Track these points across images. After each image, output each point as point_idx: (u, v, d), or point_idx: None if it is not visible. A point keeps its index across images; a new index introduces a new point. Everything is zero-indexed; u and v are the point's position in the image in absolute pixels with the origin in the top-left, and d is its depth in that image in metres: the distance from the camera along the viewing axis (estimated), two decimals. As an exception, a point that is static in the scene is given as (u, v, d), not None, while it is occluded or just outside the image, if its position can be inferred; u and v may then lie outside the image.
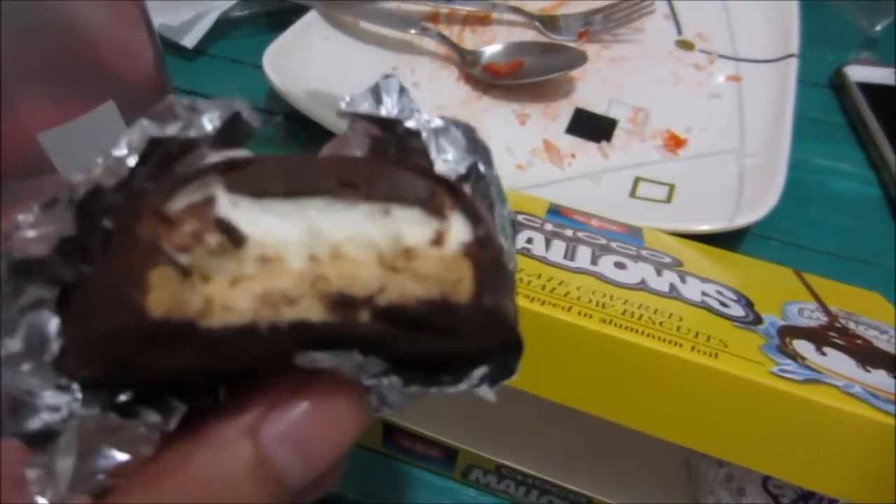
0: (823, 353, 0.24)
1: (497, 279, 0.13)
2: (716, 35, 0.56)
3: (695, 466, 0.29)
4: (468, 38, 0.54)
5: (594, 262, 0.27)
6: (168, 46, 0.49)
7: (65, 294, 0.12)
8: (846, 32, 0.59)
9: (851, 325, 0.27)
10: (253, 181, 0.11)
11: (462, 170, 0.15)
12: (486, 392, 0.14)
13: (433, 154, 0.15)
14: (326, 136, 0.40)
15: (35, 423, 0.12)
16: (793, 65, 0.50)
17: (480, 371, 0.14)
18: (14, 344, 0.12)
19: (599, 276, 0.25)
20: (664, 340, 0.22)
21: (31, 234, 0.12)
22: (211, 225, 0.11)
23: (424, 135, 0.15)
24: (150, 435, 0.13)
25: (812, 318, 0.27)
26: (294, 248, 0.11)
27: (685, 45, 0.55)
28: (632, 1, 0.55)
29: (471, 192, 0.15)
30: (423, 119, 0.15)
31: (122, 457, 0.13)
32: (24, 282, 0.12)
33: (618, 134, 0.47)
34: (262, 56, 0.45)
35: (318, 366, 0.12)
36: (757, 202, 0.39)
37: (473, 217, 0.12)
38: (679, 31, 0.56)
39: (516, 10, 0.55)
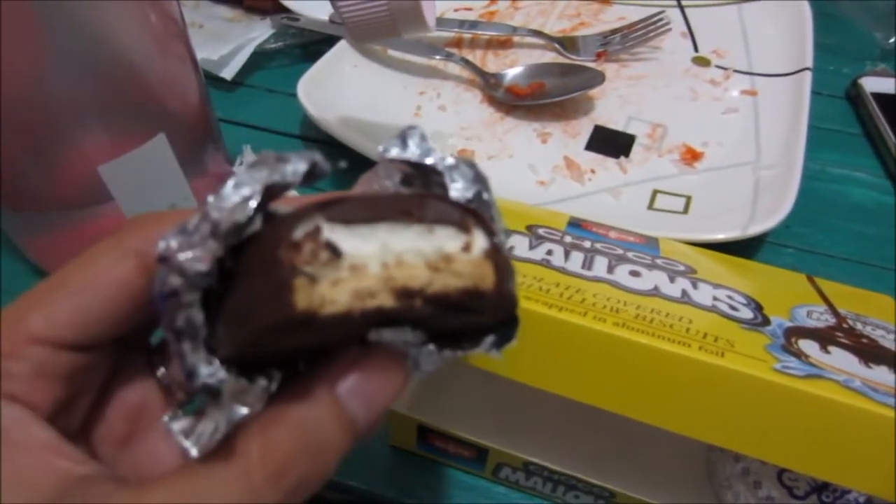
0: (828, 352, 0.25)
1: (508, 272, 0.18)
2: (732, 51, 0.58)
3: (714, 462, 0.31)
4: (491, 62, 0.57)
5: (610, 270, 0.29)
6: (208, 79, 0.52)
7: (205, 296, 0.17)
8: (862, 45, 0.61)
9: (859, 326, 0.28)
10: (342, 214, 0.16)
11: (469, 195, 0.20)
12: (495, 353, 0.19)
13: (448, 184, 0.20)
14: (357, 159, 0.43)
15: (198, 383, 0.17)
16: (807, 78, 0.51)
17: (490, 338, 0.19)
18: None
19: (614, 284, 0.27)
20: (673, 341, 0.23)
21: (191, 254, 0.16)
22: (322, 246, 0.16)
23: (440, 169, 0.20)
24: (262, 395, 0.18)
25: (820, 319, 0.28)
26: (372, 258, 0.16)
27: (701, 62, 0.57)
28: (649, 20, 0.57)
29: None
30: (438, 157, 0.20)
31: (244, 410, 0.17)
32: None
33: (636, 149, 0.49)
34: (296, 85, 0.48)
35: (383, 339, 0.17)
36: (771, 212, 0.40)
37: (489, 232, 0.17)
38: (696, 48, 0.58)
39: (536, 33, 0.58)
